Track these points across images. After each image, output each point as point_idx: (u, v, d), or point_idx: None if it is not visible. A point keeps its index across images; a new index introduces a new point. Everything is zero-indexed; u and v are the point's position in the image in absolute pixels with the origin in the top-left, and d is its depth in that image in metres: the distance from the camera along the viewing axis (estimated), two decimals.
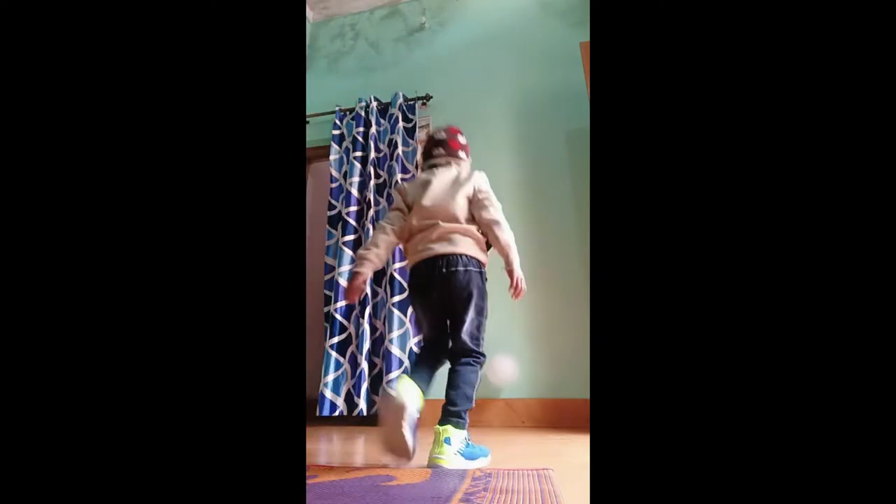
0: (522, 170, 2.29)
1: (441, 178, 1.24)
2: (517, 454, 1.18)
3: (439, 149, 1.31)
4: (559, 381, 1.92)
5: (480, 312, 1.14)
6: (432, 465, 0.95)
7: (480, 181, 1.23)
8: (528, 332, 2.03)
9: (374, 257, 1.17)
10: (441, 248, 1.14)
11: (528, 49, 2.45)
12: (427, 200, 1.20)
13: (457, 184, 1.21)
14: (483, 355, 1.14)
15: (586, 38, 2.18)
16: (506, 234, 1.17)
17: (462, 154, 1.33)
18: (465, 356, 1.10)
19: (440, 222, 1.16)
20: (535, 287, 2.09)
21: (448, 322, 1.16)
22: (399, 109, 2.45)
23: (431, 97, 2.50)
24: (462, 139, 1.35)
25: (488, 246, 1.22)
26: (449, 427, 0.99)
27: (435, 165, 1.29)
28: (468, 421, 1.05)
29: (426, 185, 1.23)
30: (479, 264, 1.17)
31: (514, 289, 1.15)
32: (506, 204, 1.28)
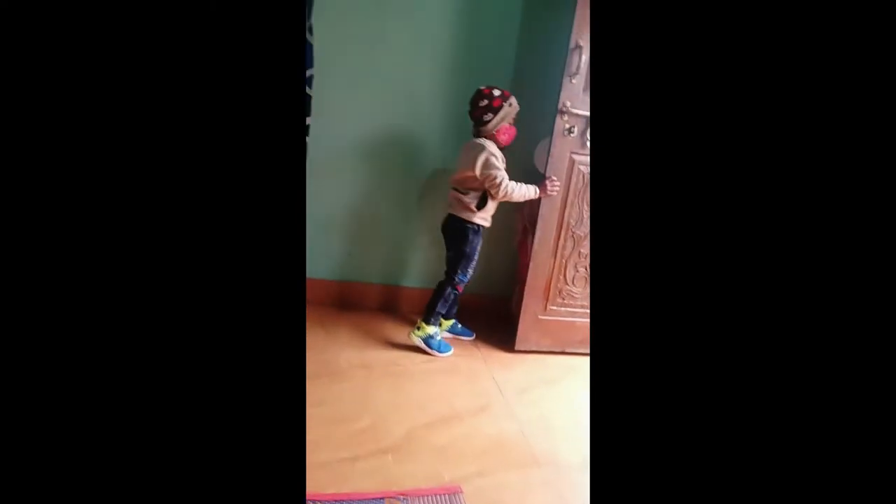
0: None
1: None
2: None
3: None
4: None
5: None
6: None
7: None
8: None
9: None
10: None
11: None
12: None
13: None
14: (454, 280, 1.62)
15: None
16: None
17: (487, 115, 1.53)
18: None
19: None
20: None
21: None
22: None
23: None
24: (483, 101, 1.52)
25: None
26: (422, 322, 1.61)
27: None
28: (437, 323, 1.62)
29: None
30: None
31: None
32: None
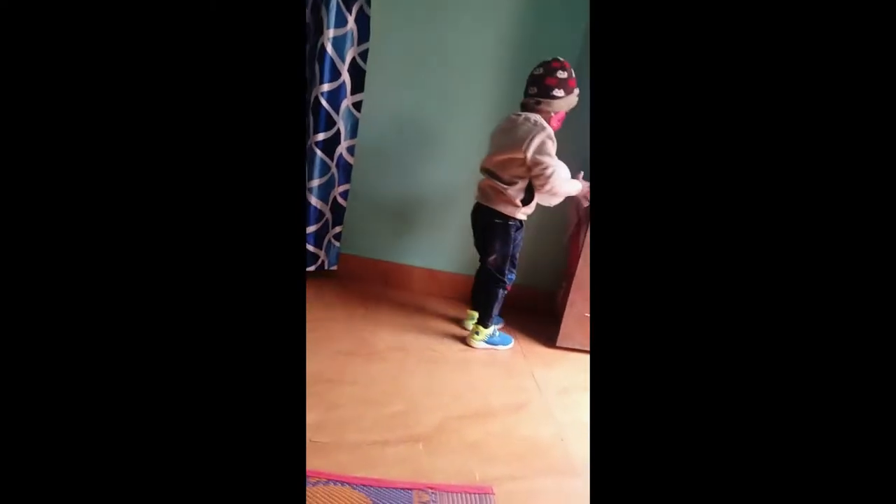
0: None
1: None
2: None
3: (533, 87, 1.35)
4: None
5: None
6: (467, 344, 1.51)
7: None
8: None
9: None
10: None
11: None
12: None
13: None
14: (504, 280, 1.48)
15: None
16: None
17: (559, 91, 1.31)
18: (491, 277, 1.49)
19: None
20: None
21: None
22: None
23: None
24: (562, 73, 1.31)
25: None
26: (479, 327, 1.50)
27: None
28: (493, 320, 1.52)
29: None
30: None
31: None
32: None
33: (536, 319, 1.72)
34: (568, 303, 1.56)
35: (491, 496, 0.91)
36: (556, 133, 1.36)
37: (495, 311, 1.52)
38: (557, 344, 1.59)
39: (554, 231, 1.77)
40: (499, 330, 1.59)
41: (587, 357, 1.58)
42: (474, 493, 0.91)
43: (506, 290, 1.52)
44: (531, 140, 1.29)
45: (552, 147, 1.31)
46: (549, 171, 1.29)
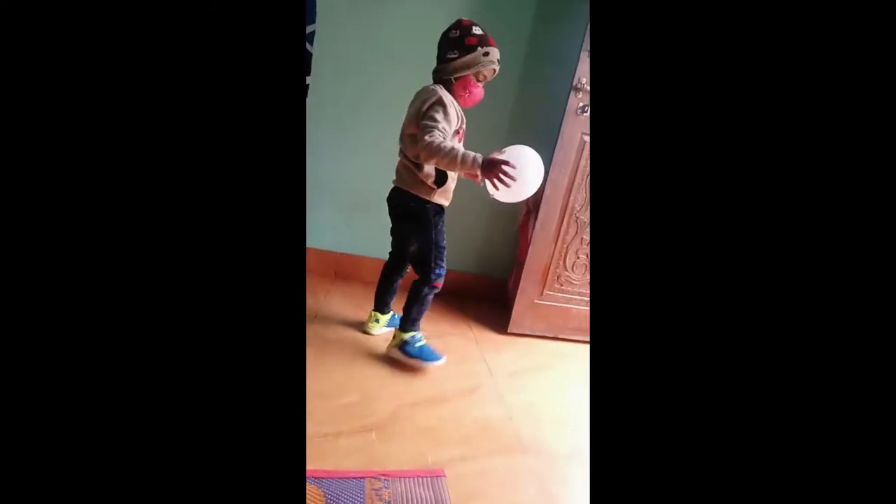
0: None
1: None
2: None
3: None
4: None
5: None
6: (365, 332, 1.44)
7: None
8: None
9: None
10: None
11: None
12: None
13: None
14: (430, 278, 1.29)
15: None
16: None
17: (452, 52, 1.18)
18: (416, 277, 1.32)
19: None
20: None
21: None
22: None
23: None
24: (454, 32, 1.19)
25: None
26: (398, 331, 1.33)
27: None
28: (416, 328, 1.33)
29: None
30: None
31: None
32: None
33: (489, 307, 1.76)
34: (518, 290, 1.62)
35: (442, 478, 0.94)
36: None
37: (416, 314, 1.31)
38: (508, 330, 1.64)
39: (505, 220, 1.81)
40: (427, 344, 1.33)
41: (536, 342, 1.65)
42: (426, 477, 0.93)
43: (435, 287, 1.30)
44: (419, 108, 1.17)
45: (441, 114, 1.14)
46: (425, 132, 1.12)
